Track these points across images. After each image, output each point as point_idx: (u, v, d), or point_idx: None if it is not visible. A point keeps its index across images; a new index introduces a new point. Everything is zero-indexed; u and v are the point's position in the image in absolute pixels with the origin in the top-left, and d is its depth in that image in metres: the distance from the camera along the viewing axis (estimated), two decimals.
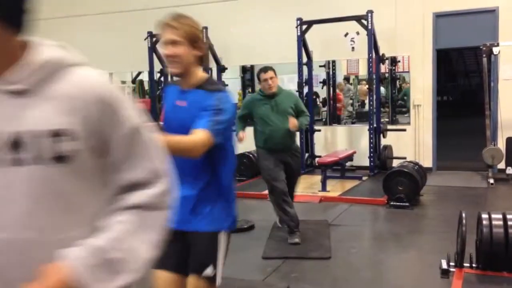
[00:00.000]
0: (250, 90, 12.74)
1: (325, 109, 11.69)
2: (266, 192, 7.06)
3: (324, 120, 11.60)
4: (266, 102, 4.73)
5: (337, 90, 12.26)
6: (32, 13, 1.14)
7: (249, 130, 4.91)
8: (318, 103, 12.44)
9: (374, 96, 8.27)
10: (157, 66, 9.65)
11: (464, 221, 3.78)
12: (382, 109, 10.22)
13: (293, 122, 4.64)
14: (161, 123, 2.28)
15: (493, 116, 7.84)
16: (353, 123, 12.29)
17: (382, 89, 10.97)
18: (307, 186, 7.56)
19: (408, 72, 9.36)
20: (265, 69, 4.72)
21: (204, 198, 2.18)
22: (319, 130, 9.10)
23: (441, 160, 8.82)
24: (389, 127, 8.85)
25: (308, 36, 8.46)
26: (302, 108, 4.89)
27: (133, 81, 11.67)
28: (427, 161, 8.44)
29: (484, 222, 3.81)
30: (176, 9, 11.01)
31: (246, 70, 12.07)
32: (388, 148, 8.52)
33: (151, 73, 9.48)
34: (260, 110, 4.76)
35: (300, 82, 8.58)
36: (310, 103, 9.38)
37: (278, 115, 4.70)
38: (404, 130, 8.65)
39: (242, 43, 9.57)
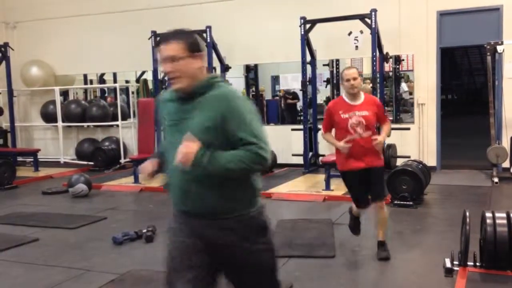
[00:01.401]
0: (254, 89, 12.77)
1: None
2: (270, 191, 7.13)
3: None
4: (175, 107, 2.19)
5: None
6: None
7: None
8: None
9: (378, 95, 8.24)
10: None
11: (468, 220, 3.78)
12: (386, 107, 10.21)
13: None
14: None
15: (497, 114, 7.82)
16: None
17: None
18: (311, 185, 7.57)
19: (412, 70, 9.34)
20: None
21: None
22: None
23: (445, 159, 8.81)
24: (393, 125, 8.82)
25: (311, 35, 8.45)
26: (246, 134, 2.03)
27: (137, 80, 11.70)
28: (431, 160, 8.44)
29: (488, 221, 3.81)
30: (179, 8, 11.08)
31: (250, 69, 12.09)
32: (392, 147, 8.50)
33: (155, 72, 9.49)
34: (164, 124, 2.28)
35: (304, 81, 8.60)
36: (314, 102, 9.41)
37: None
38: (408, 129, 8.64)
39: (246, 42, 9.57)
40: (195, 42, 2.16)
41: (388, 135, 4.33)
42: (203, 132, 2.03)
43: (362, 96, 4.23)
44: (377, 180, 4.26)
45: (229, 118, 2.03)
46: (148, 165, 2.30)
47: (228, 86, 2.18)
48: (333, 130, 4.32)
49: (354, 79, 4.14)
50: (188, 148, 1.98)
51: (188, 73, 2.11)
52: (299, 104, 12.25)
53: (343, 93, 4.33)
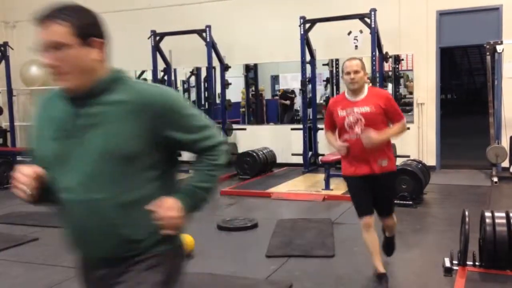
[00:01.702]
0: (253, 88, 12.77)
1: None
2: (269, 190, 7.13)
3: None
4: (66, 112, 1.58)
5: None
6: None
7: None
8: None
9: None
10: (161, 65, 9.66)
11: (467, 219, 3.78)
12: None
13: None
14: None
15: (497, 114, 7.83)
16: None
17: None
18: (310, 185, 7.57)
19: (412, 70, 9.35)
20: None
21: None
22: (322, 129, 9.11)
23: (445, 159, 8.81)
24: None
25: (311, 35, 8.45)
26: (190, 133, 1.61)
27: None
28: (430, 160, 8.44)
29: (488, 220, 3.82)
30: (179, 7, 11.08)
31: (250, 69, 12.09)
32: (391, 146, 8.51)
33: (154, 71, 9.48)
34: (43, 138, 1.65)
35: (304, 80, 8.60)
36: (314, 101, 9.42)
37: (86, 158, 1.54)
38: (407, 128, 8.63)
39: (246, 42, 9.58)
40: (91, 23, 1.53)
41: (388, 136, 3.74)
42: (123, 143, 1.50)
43: (365, 90, 3.56)
44: (385, 192, 3.72)
45: (162, 119, 1.54)
46: (25, 177, 1.64)
47: (139, 81, 1.73)
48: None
49: (355, 72, 3.47)
50: (169, 213, 1.50)
51: (79, 67, 1.50)
52: (299, 104, 12.26)
53: (345, 89, 3.69)
